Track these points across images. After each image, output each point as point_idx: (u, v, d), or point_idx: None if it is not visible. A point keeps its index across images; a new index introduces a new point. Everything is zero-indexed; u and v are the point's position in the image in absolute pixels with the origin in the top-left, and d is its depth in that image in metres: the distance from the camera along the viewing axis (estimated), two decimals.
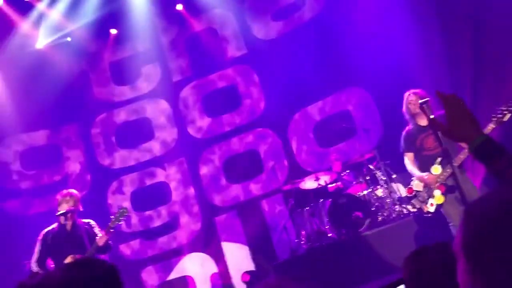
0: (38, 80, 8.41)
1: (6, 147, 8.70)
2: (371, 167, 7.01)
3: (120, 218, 4.94)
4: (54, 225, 5.00)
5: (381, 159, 6.84)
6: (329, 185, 7.11)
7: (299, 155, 8.45)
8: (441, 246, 1.53)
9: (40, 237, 4.97)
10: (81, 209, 5.06)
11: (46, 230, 5.00)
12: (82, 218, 5.14)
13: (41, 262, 4.88)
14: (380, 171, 6.88)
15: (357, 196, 6.75)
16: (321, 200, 7.07)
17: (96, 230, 5.03)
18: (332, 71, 8.15)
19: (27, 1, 8.07)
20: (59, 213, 4.84)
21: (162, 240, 8.51)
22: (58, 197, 5.01)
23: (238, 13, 8.91)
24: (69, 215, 4.86)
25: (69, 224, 4.93)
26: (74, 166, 8.82)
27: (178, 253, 8.44)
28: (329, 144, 8.27)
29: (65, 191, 5.06)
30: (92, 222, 5.12)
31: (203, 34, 9.02)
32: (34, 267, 4.89)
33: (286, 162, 8.40)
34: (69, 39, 8.64)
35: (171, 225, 8.59)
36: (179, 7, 8.89)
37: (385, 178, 6.85)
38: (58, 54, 8.60)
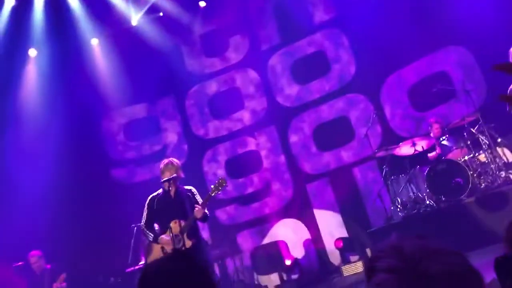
0: (135, 56, 8.90)
1: (111, 120, 9.41)
2: (473, 130, 6.56)
3: (220, 188, 5.14)
4: (160, 191, 5.32)
5: (485, 122, 6.36)
6: (428, 152, 6.78)
7: (393, 120, 8.13)
8: None
9: (147, 202, 5.33)
10: (182, 176, 5.33)
11: (152, 195, 5.35)
12: (184, 185, 5.41)
13: (148, 224, 5.25)
14: (484, 135, 6.41)
15: (458, 161, 6.38)
16: (418, 166, 6.79)
17: (197, 197, 5.28)
18: (428, 29, 7.67)
19: None
20: (163, 180, 5.15)
21: (255, 206, 8.75)
22: (161, 165, 5.31)
23: None
24: (171, 181, 5.14)
25: (172, 190, 5.22)
26: (171, 137, 9.32)
27: (271, 218, 8.64)
28: (426, 107, 7.84)
29: (166, 160, 5.35)
30: (193, 189, 5.36)
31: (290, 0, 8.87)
32: (144, 228, 5.27)
33: (379, 128, 8.13)
34: (161, 14, 8.97)
35: (263, 192, 8.79)
36: None
37: (488, 142, 6.38)
38: (152, 29, 8.99)
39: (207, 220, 5.33)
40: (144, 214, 5.29)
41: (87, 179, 8.63)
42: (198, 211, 4.99)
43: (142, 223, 5.30)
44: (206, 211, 5.17)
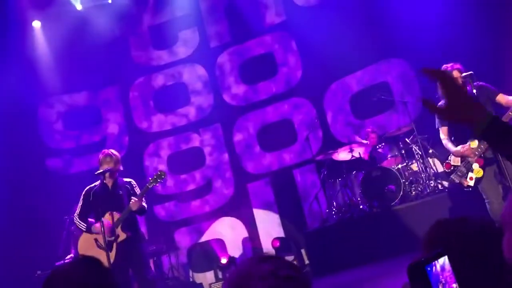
0: (79, 42, 8.59)
1: (50, 106, 9.02)
2: (408, 141, 6.88)
3: (158, 180, 5.07)
4: (97, 183, 5.18)
5: (419, 133, 6.70)
6: (363, 158, 7.04)
7: (334, 126, 8.37)
8: (462, 219, 1.46)
9: (83, 193, 5.18)
10: (121, 168, 5.21)
11: (89, 187, 5.20)
12: (124, 178, 5.28)
13: (82, 216, 5.09)
14: (417, 145, 6.75)
15: (391, 169, 6.67)
16: (354, 172, 7.04)
17: (137, 189, 5.18)
18: (373, 41, 7.95)
19: None
20: (98, 172, 5.02)
21: (195, 203, 8.72)
22: (100, 156, 5.18)
23: None
24: (108, 174, 5.02)
25: (110, 182, 5.10)
26: (112, 128, 9.08)
27: (210, 216, 8.64)
28: (365, 116, 8.14)
29: (106, 151, 5.22)
30: (133, 182, 5.25)
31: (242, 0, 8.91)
32: (76, 219, 5.11)
33: (320, 132, 8.34)
34: (109, 1, 8.72)
35: (204, 189, 8.77)
36: None
37: (421, 153, 6.72)
38: (98, 16, 8.72)
39: (144, 213, 5.24)
40: (79, 205, 5.14)
41: (20, 168, 8.21)
42: (133, 203, 4.91)
43: (75, 214, 5.13)
44: (144, 204, 5.08)
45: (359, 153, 7.02)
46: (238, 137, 8.83)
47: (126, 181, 5.27)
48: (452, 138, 4.83)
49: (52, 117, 9.00)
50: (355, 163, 7.07)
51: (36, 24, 8.61)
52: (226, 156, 8.85)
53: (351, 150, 6.99)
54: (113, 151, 5.32)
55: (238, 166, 8.76)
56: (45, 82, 8.58)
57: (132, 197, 4.99)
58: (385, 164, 6.94)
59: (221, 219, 8.67)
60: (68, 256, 6.99)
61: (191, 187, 8.81)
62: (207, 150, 8.92)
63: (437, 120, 4.95)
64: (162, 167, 8.75)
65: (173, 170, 8.85)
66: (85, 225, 5.07)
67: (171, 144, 8.97)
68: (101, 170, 4.99)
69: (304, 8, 8.60)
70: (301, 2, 8.66)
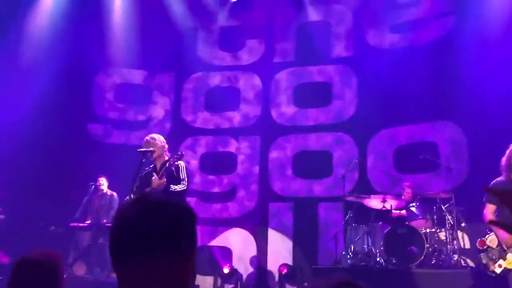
0: (152, 23, 8.83)
1: (107, 75, 9.29)
2: (443, 207, 6.71)
3: (176, 160, 5.11)
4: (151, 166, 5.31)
5: (457, 203, 6.52)
6: (394, 210, 6.91)
7: (372, 172, 8.26)
8: None
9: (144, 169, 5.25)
10: (160, 153, 5.24)
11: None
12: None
13: (135, 192, 5.09)
14: (451, 215, 6.57)
15: (419, 231, 6.50)
16: (381, 222, 6.91)
17: (179, 171, 5.16)
18: (432, 98, 7.85)
19: None
20: (139, 149, 5.14)
21: (216, 206, 8.73)
22: (146, 137, 5.32)
23: (357, 14, 8.78)
24: (149, 154, 5.13)
25: (157, 164, 5.22)
26: (158, 112, 9.25)
27: (226, 223, 8.63)
28: (406, 170, 7.99)
29: (148, 136, 5.34)
30: (181, 164, 5.22)
31: (316, 25, 8.98)
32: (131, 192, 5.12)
33: (356, 174, 8.24)
34: None
35: (228, 195, 8.78)
36: None
37: (453, 223, 6.54)
38: (176, 3, 8.94)
39: (169, 191, 5.18)
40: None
41: (63, 125, 8.46)
42: (154, 180, 4.98)
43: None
44: (179, 185, 5.10)
45: (391, 205, 6.89)
46: (274, 154, 8.83)
47: (175, 164, 5.23)
48: (497, 218, 4.67)
49: (106, 86, 9.26)
50: (384, 214, 6.94)
51: None
52: (257, 169, 8.85)
53: (384, 200, 6.87)
54: (154, 135, 5.42)
55: (265, 182, 8.75)
56: (110, 52, 8.85)
57: (154, 174, 5.06)
58: (413, 224, 6.78)
59: (235, 229, 8.65)
60: (85, 222, 7.12)
61: (216, 189, 8.85)
62: (240, 158, 8.95)
63: (487, 195, 4.79)
64: (194, 162, 8.83)
65: (204, 168, 8.92)
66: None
67: (209, 143, 9.06)
68: (142, 149, 5.12)
69: (374, 49, 8.58)
70: (374, 42, 8.65)
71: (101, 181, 7.48)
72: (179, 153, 5.31)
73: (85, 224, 7.10)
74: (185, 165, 5.33)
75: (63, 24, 8.40)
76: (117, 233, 1.31)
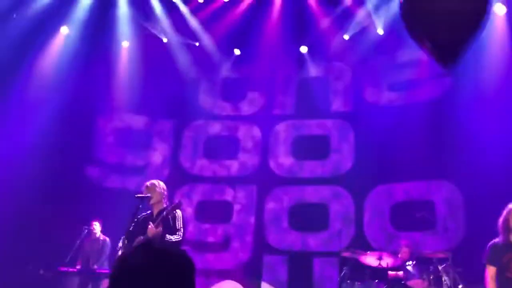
0: (155, 70, 9.04)
1: (109, 119, 9.36)
2: (440, 268, 6.61)
3: (175, 209, 5.02)
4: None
5: (453, 264, 6.44)
6: (390, 270, 6.80)
7: (368, 228, 8.20)
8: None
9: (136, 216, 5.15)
10: (159, 199, 5.18)
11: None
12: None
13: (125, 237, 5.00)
14: (448, 276, 6.46)
15: None
16: (377, 281, 6.78)
17: (175, 220, 5.07)
18: (429, 157, 7.93)
19: None
20: (137, 195, 5.09)
21: (209, 257, 8.58)
22: (147, 183, 5.29)
23: (356, 72, 9.03)
24: (146, 200, 5.07)
25: (154, 211, 5.16)
26: (157, 157, 9.27)
27: (218, 274, 8.45)
28: (403, 228, 7.95)
29: (155, 182, 5.30)
30: (177, 213, 5.14)
31: (316, 81, 9.21)
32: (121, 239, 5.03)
33: (353, 230, 8.17)
34: (197, 44, 9.21)
35: (222, 246, 8.66)
36: (303, 49, 9.17)
37: (449, 285, 6.42)
38: (181, 53, 9.19)
39: (164, 240, 5.09)
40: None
41: (60, 166, 8.42)
42: (150, 229, 4.88)
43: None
44: (177, 236, 5.01)
45: (387, 263, 6.79)
46: (270, 205, 8.79)
47: (172, 213, 5.16)
48: (497, 284, 4.58)
49: (107, 129, 9.32)
50: (380, 272, 6.83)
51: (125, 44, 9.16)
52: (252, 219, 8.78)
53: (380, 258, 6.78)
54: (154, 181, 5.39)
55: (260, 233, 8.65)
56: (113, 95, 8.99)
57: (150, 223, 4.97)
58: (410, 283, 6.65)
59: (227, 281, 8.46)
60: (75, 267, 6.96)
61: (210, 239, 8.73)
62: (236, 207, 8.90)
63: (488, 255, 4.70)
64: (189, 210, 8.76)
65: (198, 217, 8.84)
66: (119, 246, 5.03)
67: (205, 191, 9.03)
68: (140, 195, 5.07)
69: (372, 105, 8.76)
70: (371, 99, 8.84)
71: (94, 226, 7.37)
72: (177, 201, 5.26)
73: (74, 269, 6.94)
74: (182, 215, 5.25)
75: (70, 65, 8.59)
76: (119, 281, 1.32)
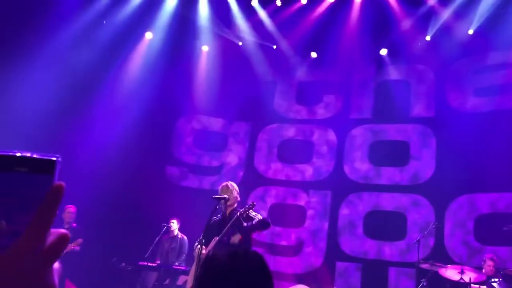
0: (232, 73, 9.21)
1: (188, 121, 9.72)
2: None
3: (248, 211, 5.08)
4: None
5: None
6: (473, 285, 6.39)
7: (449, 240, 7.78)
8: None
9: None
10: (237, 199, 5.30)
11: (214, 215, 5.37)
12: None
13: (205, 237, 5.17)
14: None
15: None
16: None
17: (233, 220, 5.14)
18: None
19: None
20: (214, 196, 5.23)
21: (281, 260, 8.58)
22: (224, 184, 5.42)
23: (440, 75, 8.61)
24: (222, 201, 5.19)
25: (227, 211, 5.28)
26: (232, 159, 9.45)
27: (289, 278, 8.42)
28: (488, 242, 7.45)
29: (224, 183, 5.44)
30: (251, 213, 5.21)
31: (396, 84, 8.90)
32: (196, 243, 5.23)
33: (432, 241, 7.79)
34: (274, 47, 9.28)
35: (294, 250, 8.62)
36: (383, 51, 8.91)
37: None
38: (257, 56, 9.29)
39: (243, 244, 5.17)
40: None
41: (144, 165, 8.86)
42: (235, 237, 4.99)
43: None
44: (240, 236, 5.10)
45: (470, 278, 6.39)
46: (344, 211, 8.62)
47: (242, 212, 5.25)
48: None
49: (186, 131, 9.67)
50: (461, 287, 6.44)
51: (205, 48, 9.44)
52: (326, 225, 8.66)
53: (462, 272, 6.39)
54: (229, 182, 5.51)
55: (334, 240, 8.51)
56: (193, 98, 9.31)
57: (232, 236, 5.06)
58: None
59: (299, 286, 8.38)
60: (154, 263, 7.26)
61: (283, 243, 8.73)
62: (310, 212, 8.82)
63: None
64: (263, 213, 8.81)
65: (272, 220, 8.81)
66: (196, 246, 5.21)
67: (279, 194, 9.05)
68: (217, 196, 5.20)
69: (457, 111, 8.31)
70: (456, 104, 8.38)
71: (172, 224, 7.65)
72: (251, 202, 5.31)
73: (153, 264, 7.24)
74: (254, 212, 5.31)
75: (153, 68, 9.00)
76: (206, 279, 1.44)
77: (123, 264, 7.05)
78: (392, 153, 8.62)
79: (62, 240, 0.54)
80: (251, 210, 5.22)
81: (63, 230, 0.55)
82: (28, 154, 0.53)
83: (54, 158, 0.54)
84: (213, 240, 5.09)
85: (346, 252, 8.36)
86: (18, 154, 0.53)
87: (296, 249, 8.63)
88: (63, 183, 0.54)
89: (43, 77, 7.68)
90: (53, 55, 7.81)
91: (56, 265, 0.55)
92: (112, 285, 7.44)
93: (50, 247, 0.53)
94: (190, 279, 5.31)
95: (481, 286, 6.55)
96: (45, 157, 0.54)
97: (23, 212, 0.52)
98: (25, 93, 7.41)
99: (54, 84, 7.78)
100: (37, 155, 0.53)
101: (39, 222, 0.52)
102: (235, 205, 5.34)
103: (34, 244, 0.52)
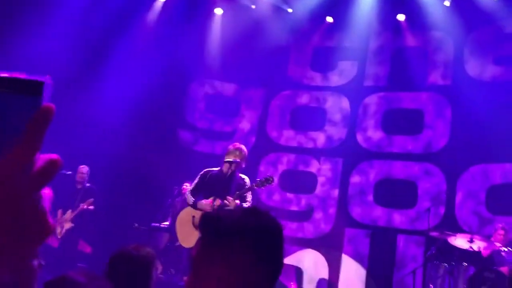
0: (246, 38, 9.08)
1: (201, 85, 9.70)
2: None
3: (265, 184, 5.18)
4: (217, 169, 5.43)
5: None
6: (481, 254, 6.42)
7: (460, 210, 7.76)
8: None
9: (201, 173, 5.46)
10: (243, 165, 5.39)
11: (208, 169, 5.47)
12: (241, 173, 5.46)
13: (194, 192, 5.37)
14: None
15: (509, 277, 5.97)
16: (466, 264, 6.45)
17: (246, 188, 5.28)
18: None
19: None
20: (226, 160, 5.26)
21: (291, 225, 8.69)
22: (230, 147, 5.43)
23: (458, 43, 8.39)
24: (233, 165, 5.24)
25: (229, 173, 5.32)
26: (245, 125, 9.45)
27: (299, 243, 8.54)
28: (499, 211, 7.42)
29: (237, 144, 5.46)
30: (247, 180, 5.39)
31: (413, 51, 8.72)
32: (188, 193, 5.41)
33: (442, 210, 7.79)
34: (290, 10, 9.10)
35: (304, 216, 8.71)
36: (401, 17, 8.70)
37: None
38: (272, 20, 9.12)
39: None
40: (195, 182, 5.43)
41: (156, 128, 8.93)
42: (230, 201, 5.06)
43: (189, 189, 5.44)
44: (247, 203, 5.20)
45: (479, 247, 6.41)
46: (355, 179, 8.62)
47: (242, 177, 5.43)
48: None
49: (199, 95, 9.67)
50: (470, 255, 6.47)
51: (218, 11, 9.31)
52: (336, 192, 8.69)
53: (471, 241, 6.41)
54: (243, 146, 5.53)
55: (344, 206, 8.55)
56: (206, 64, 9.25)
57: (228, 197, 5.13)
58: (503, 269, 6.24)
59: (308, 250, 8.53)
60: (164, 223, 7.41)
61: (294, 208, 8.81)
62: (321, 179, 8.85)
63: None
64: (274, 179, 8.86)
65: (283, 186, 8.93)
66: (193, 199, 5.34)
67: (290, 161, 9.07)
68: (231, 159, 5.22)
69: (474, 80, 8.14)
70: (474, 73, 8.20)
71: (185, 186, 7.75)
72: (270, 178, 5.31)
73: (165, 225, 7.39)
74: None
75: (166, 31, 8.94)
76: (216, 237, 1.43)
77: (136, 224, 7.21)
78: (406, 122, 8.54)
79: (52, 163, 0.50)
80: (249, 193, 5.31)
81: (54, 154, 0.51)
82: (14, 75, 0.50)
83: (43, 80, 0.51)
84: (213, 198, 5.15)
85: (355, 219, 8.41)
86: (3, 75, 0.50)
87: (306, 215, 8.71)
88: (52, 104, 0.50)
89: (56, 44, 7.67)
90: (66, 20, 7.79)
91: (48, 191, 0.54)
92: (125, 245, 7.61)
93: (39, 169, 0.49)
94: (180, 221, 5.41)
95: (490, 256, 6.58)
96: (32, 78, 0.50)
97: (8, 135, 0.48)
98: (38, 58, 7.39)
99: (66, 49, 7.79)
100: (23, 76, 0.50)
101: (26, 141, 0.48)
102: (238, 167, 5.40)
103: (20, 164, 0.48)
